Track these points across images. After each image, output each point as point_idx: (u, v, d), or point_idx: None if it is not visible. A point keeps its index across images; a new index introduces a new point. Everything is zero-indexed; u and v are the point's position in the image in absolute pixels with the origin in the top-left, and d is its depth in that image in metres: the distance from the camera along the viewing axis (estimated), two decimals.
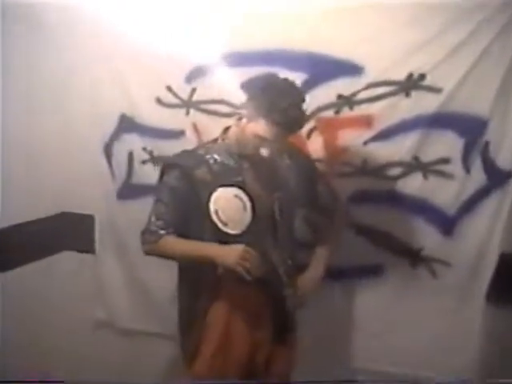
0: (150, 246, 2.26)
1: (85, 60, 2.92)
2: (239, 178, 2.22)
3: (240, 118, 2.19)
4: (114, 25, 2.74)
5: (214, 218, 2.15)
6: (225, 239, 2.14)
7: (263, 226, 2.24)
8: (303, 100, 2.16)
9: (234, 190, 2.17)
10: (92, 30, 2.83)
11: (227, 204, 2.16)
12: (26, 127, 2.92)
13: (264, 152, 2.16)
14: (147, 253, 2.31)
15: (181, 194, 2.21)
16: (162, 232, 2.21)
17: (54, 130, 3.03)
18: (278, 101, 2.06)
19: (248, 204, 2.16)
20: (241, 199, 2.16)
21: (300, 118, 2.15)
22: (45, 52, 2.95)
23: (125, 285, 3.08)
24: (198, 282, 2.29)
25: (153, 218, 2.24)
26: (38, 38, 2.93)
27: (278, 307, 2.29)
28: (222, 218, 2.15)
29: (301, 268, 2.42)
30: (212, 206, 2.16)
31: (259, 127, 2.11)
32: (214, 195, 2.16)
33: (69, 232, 3.16)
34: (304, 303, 2.40)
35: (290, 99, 2.09)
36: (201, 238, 2.19)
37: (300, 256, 2.42)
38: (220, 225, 2.15)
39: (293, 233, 2.41)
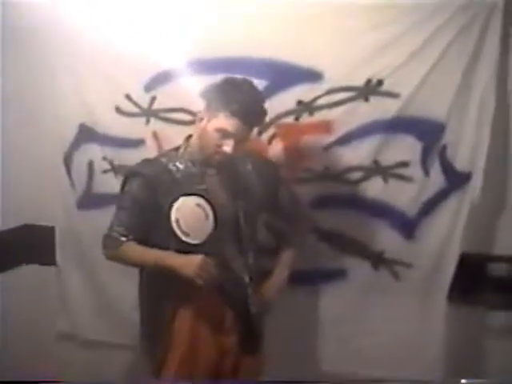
0: (111, 251, 2.27)
1: (47, 68, 2.90)
2: (202, 186, 2.21)
3: (201, 119, 2.19)
4: (74, 32, 2.74)
5: (175, 227, 2.12)
6: (187, 249, 2.13)
7: (226, 234, 2.24)
8: (261, 96, 2.20)
9: (196, 199, 2.14)
10: (52, 37, 2.81)
11: (189, 213, 2.13)
12: None
13: (227, 148, 2.11)
14: (108, 258, 2.32)
15: (143, 202, 2.20)
16: (123, 239, 2.21)
17: (14, 141, 3.00)
18: (235, 92, 2.11)
19: (210, 213, 2.13)
20: (203, 208, 2.13)
21: (259, 109, 2.16)
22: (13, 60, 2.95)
23: (87, 296, 3.05)
24: (162, 289, 2.28)
25: (114, 224, 2.24)
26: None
27: (242, 315, 2.29)
28: (183, 227, 2.12)
29: (265, 274, 2.42)
30: (173, 215, 2.12)
31: (220, 121, 2.11)
32: (176, 204, 2.13)
33: (30, 245, 3.12)
34: (269, 309, 2.40)
35: (247, 91, 2.13)
36: (166, 247, 2.17)
37: (264, 262, 2.41)
38: (180, 234, 2.12)
39: (256, 239, 2.40)
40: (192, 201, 2.14)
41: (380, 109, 2.54)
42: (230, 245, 2.27)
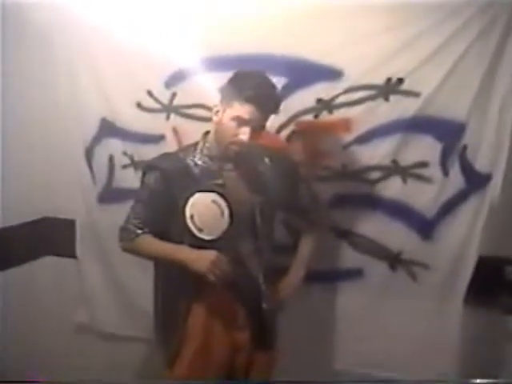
0: (127, 243, 2.30)
1: (66, 63, 2.92)
2: (219, 181, 2.21)
3: (216, 112, 2.20)
4: (95, 29, 2.76)
5: (189, 223, 2.12)
6: (202, 244, 2.13)
7: (242, 231, 2.23)
8: (273, 84, 2.19)
9: (212, 196, 2.13)
10: (74, 32, 2.84)
11: (204, 209, 2.13)
12: (5, 131, 2.90)
13: (243, 136, 2.11)
14: (124, 250, 2.35)
15: (159, 196, 2.23)
16: (139, 231, 2.25)
17: (35, 134, 3.03)
18: (247, 80, 2.13)
19: (226, 210, 2.12)
20: (219, 205, 2.12)
21: (273, 95, 2.17)
22: (29, 53, 2.96)
23: (106, 289, 3.07)
24: (177, 284, 2.29)
25: (131, 217, 2.28)
26: (23, 37, 2.94)
27: (255, 312, 2.28)
28: (198, 223, 2.12)
29: (281, 272, 2.43)
30: (188, 211, 2.13)
31: (234, 110, 2.12)
32: (191, 200, 2.13)
33: (50, 237, 3.17)
34: (283, 307, 2.40)
35: (259, 78, 2.16)
36: (181, 241, 2.18)
37: (280, 260, 2.41)
38: (195, 230, 2.12)
39: (273, 236, 2.39)
40: (208, 197, 2.14)
41: (400, 108, 2.52)
42: (245, 241, 2.27)
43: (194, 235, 2.13)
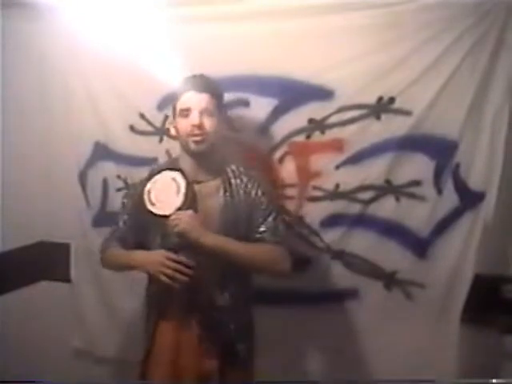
0: (101, 254, 2.43)
1: (61, 87, 2.94)
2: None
3: (171, 123, 2.33)
4: (89, 52, 2.78)
5: (145, 197, 2.17)
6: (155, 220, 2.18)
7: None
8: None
9: (175, 174, 2.18)
10: (68, 57, 2.87)
11: (162, 186, 2.18)
12: (10, 153, 2.92)
13: (194, 120, 2.17)
14: (102, 263, 2.45)
15: (133, 212, 2.33)
16: (111, 244, 2.38)
17: (30, 158, 3.03)
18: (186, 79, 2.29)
19: (182, 188, 2.14)
20: (177, 183, 2.15)
21: (210, 79, 2.29)
22: (25, 77, 2.98)
23: (101, 313, 3.05)
24: (149, 302, 2.38)
25: (110, 232, 2.42)
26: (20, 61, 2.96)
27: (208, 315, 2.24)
28: (152, 197, 2.16)
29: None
30: (148, 186, 2.19)
31: (180, 104, 2.24)
32: (156, 176, 2.20)
33: (46, 261, 3.15)
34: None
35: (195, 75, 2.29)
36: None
37: None
38: (148, 204, 2.16)
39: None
40: (170, 175, 2.19)
41: (392, 127, 2.52)
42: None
43: (146, 208, 2.16)
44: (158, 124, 2.82)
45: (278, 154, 2.66)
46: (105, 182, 2.96)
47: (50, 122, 3.00)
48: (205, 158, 2.26)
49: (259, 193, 2.29)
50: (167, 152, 2.79)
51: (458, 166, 2.49)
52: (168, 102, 2.72)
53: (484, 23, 2.35)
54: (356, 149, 2.57)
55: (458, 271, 2.52)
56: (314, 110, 2.58)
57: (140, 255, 2.23)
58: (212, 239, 2.15)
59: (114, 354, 3.05)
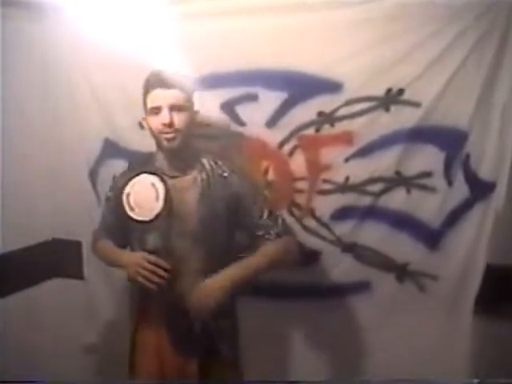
0: (92, 247, 2.50)
1: (68, 85, 2.93)
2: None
3: (144, 122, 2.28)
4: (96, 50, 2.76)
5: (124, 200, 2.17)
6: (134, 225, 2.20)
7: (178, 228, 2.21)
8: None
9: (153, 179, 2.17)
10: (74, 54, 2.85)
11: (141, 190, 2.18)
12: (13, 153, 2.90)
13: (164, 118, 2.14)
14: (94, 254, 2.51)
15: (115, 205, 2.32)
16: (100, 236, 2.44)
17: (41, 155, 3.03)
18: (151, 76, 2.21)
19: (161, 195, 2.14)
20: (156, 189, 2.15)
21: (172, 73, 2.21)
22: (30, 75, 2.95)
23: (112, 310, 3.07)
24: (132, 302, 2.50)
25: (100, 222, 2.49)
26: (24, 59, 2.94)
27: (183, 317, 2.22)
28: (131, 202, 2.17)
29: None
30: (127, 189, 2.19)
31: (149, 103, 2.19)
32: (134, 179, 2.19)
33: (58, 258, 3.16)
34: (205, 313, 2.14)
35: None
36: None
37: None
38: (127, 208, 2.17)
39: (221, 243, 2.28)
40: (149, 179, 2.18)
41: (401, 118, 2.51)
42: (180, 240, 2.22)
43: (125, 213, 2.18)
44: None
45: (287, 148, 2.65)
46: (115, 179, 2.96)
47: (55, 120, 2.99)
48: (179, 153, 2.24)
49: (241, 185, 2.28)
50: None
51: (468, 156, 2.48)
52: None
53: (490, 14, 2.33)
54: (365, 141, 2.56)
55: (470, 262, 2.53)
56: (323, 103, 2.57)
57: (122, 255, 2.27)
58: (228, 282, 2.12)
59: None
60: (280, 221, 2.30)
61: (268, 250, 2.24)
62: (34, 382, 2.43)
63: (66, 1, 2.75)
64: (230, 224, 2.29)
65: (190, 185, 2.25)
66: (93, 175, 3.01)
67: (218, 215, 2.23)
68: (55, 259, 3.15)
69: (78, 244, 3.10)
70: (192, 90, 2.27)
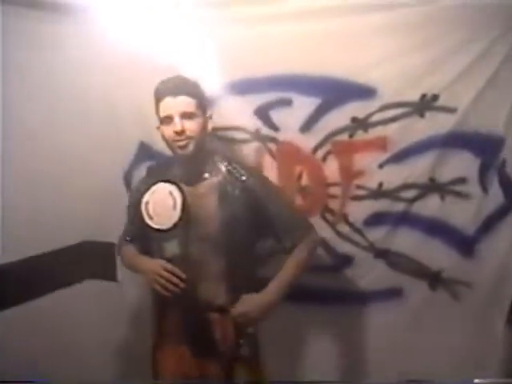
0: (117, 253, 2.56)
1: (102, 88, 2.93)
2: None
3: (158, 127, 2.28)
4: (130, 52, 2.78)
5: (143, 209, 2.18)
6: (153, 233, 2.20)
7: (198, 235, 2.22)
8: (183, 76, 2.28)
9: (171, 188, 2.17)
10: (110, 53, 2.84)
11: (159, 199, 2.18)
12: (47, 155, 2.92)
13: (177, 125, 2.15)
14: (121, 263, 2.57)
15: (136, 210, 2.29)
16: (125, 242, 2.47)
17: (75, 159, 3.06)
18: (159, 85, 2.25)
19: (179, 203, 2.14)
20: (174, 197, 2.15)
21: (179, 78, 2.25)
22: (62, 73, 2.95)
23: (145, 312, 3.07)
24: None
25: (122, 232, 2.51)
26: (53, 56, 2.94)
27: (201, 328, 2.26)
28: (150, 210, 2.18)
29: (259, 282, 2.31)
30: (146, 197, 2.20)
31: (160, 113, 2.22)
32: (153, 188, 2.20)
33: (91, 260, 3.19)
34: (250, 326, 2.23)
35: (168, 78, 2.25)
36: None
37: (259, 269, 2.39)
38: (146, 217, 2.18)
39: (243, 250, 2.29)
40: (167, 188, 2.19)
41: (436, 124, 2.49)
42: (200, 247, 2.23)
43: (144, 222, 2.19)
44: None
45: (320, 153, 2.66)
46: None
47: (95, 122, 3.00)
48: (194, 159, 2.25)
49: (261, 188, 2.30)
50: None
51: (503, 162, 2.45)
52: (210, 102, 2.74)
53: None
54: (400, 147, 2.55)
55: (505, 270, 2.48)
56: (357, 108, 2.57)
57: (142, 261, 2.31)
58: (274, 293, 2.22)
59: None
60: (302, 221, 2.36)
61: (298, 258, 2.29)
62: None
63: (99, 2, 2.77)
64: (252, 227, 2.30)
65: (207, 190, 2.27)
66: (127, 178, 3.03)
67: (238, 219, 2.24)
68: (88, 261, 3.18)
69: (111, 246, 3.10)
70: (203, 95, 2.28)
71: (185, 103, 2.18)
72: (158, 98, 2.21)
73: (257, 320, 2.21)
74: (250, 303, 2.20)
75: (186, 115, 2.17)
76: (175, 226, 2.14)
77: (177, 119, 2.16)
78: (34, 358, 2.76)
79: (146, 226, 2.18)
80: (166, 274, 2.15)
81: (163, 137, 2.26)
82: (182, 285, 2.14)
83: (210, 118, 2.32)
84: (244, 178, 2.28)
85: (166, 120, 2.19)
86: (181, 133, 2.16)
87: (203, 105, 2.27)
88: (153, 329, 2.43)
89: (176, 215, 2.13)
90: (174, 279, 2.14)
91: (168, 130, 2.20)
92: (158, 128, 2.27)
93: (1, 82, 2.63)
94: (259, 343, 2.35)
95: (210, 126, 2.31)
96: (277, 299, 2.23)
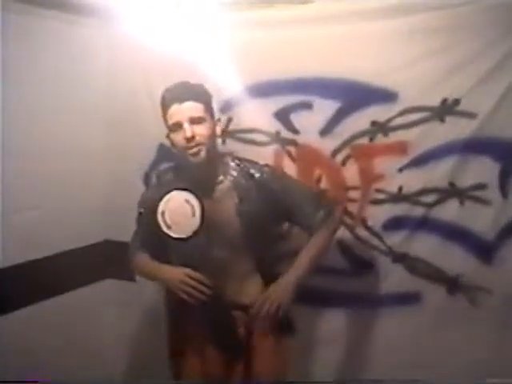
0: (130, 261, 2.47)
1: (127, 90, 2.99)
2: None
3: (167, 136, 2.25)
4: (153, 56, 2.83)
5: (160, 219, 2.16)
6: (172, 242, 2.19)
7: (219, 238, 2.23)
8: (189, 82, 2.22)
9: (187, 195, 2.15)
10: (131, 55, 2.91)
11: (176, 207, 2.15)
12: (68, 156, 2.95)
13: (187, 132, 2.11)
14: (132, 268, 2.51)
15: (148, 217, 2.29)
16: (137, 249, 2.42)
17: (97, 159, 3.09)
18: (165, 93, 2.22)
19: (198, 210, 2.12)
20: (191, 205, 2.13)
21: (186, 84, 2.20)
22: (83, 75, 2.99)
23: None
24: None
25: (134, 235, 2.49)
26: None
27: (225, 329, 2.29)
28: (167, 220, 2.15)
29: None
30: (161, 207, 2.17)
31: (168, 120, 2.19)
32: (167, 196, 2.17)
33: (111, 260, 3.20)
34: (278, 313, 2.21)
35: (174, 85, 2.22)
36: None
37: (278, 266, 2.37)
38: (163, 227, 2.15)
39: (265, 248, 2.35)
40: (182, 196, 2.16)
41: (456, 129, 2.49)
42: (222, 249, 2.25)
43: (162, 231, 2.16)
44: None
45: (340, 157, 2.66)
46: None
47: (116, 124, 3.05)
48: (207, 165, 2.21)
49: (276, 181, 2.29)
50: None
51: None
52: (231, 104, 2.77)
53: None
54: (420, 151, 2.55)
55: None
56: (377, 112, 2.58)
57: (163, 269, 2.27)
58: (296, 275, 2.23)
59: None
60: (322, 205, 2.32)
61: (318, 241, 2.29)
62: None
63: (126, 7, 2.81)
64: (273, 221, 2.32)
65: (224, 194, 2.26)
66: (147, 179, 3.05)
67: (258, 216, 2.24)
68: (108, 260, 3.21)
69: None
70: (209, 98, 2.25)
71: (192, 108, 2.15)
72: (165, 105, 2.19)
73: (285, 300, 2.20)
74: (275, 288, 2.21)
75: (194, 120, 2.14)
76: (195, 233, 2.13)
77: (186, 125, 2.13)
78: (46, 356, 2.80)
79: (165, 235, 2.16)
80: (192, 282, 2.15)
81: (173, 145, 2.23)
82: (208, 291, 2.15)
83: (219, 121, 2.31)
84: (257, 174, 2.28)
85: (175, 127, 2.16)
86: (191, 139, 2.12)
87: (210, 108, 2.25)
88: (170, 332, 2.43)
89: (196, 223, 2.12)
90: (201, 286, 2.15)
91: (178, 138, 2.16)
92: (167, 137, 2.24)
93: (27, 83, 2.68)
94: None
95: (218, 130, 2.29)
96: (301, 277, 2.24)
